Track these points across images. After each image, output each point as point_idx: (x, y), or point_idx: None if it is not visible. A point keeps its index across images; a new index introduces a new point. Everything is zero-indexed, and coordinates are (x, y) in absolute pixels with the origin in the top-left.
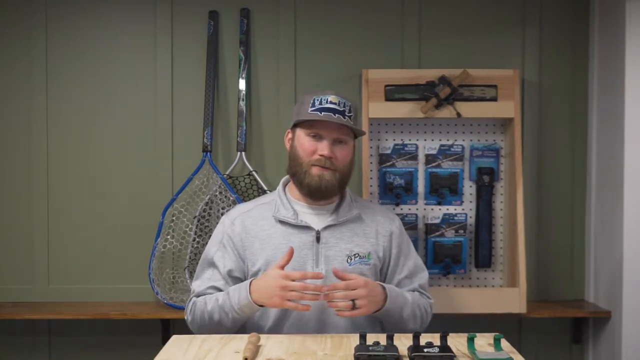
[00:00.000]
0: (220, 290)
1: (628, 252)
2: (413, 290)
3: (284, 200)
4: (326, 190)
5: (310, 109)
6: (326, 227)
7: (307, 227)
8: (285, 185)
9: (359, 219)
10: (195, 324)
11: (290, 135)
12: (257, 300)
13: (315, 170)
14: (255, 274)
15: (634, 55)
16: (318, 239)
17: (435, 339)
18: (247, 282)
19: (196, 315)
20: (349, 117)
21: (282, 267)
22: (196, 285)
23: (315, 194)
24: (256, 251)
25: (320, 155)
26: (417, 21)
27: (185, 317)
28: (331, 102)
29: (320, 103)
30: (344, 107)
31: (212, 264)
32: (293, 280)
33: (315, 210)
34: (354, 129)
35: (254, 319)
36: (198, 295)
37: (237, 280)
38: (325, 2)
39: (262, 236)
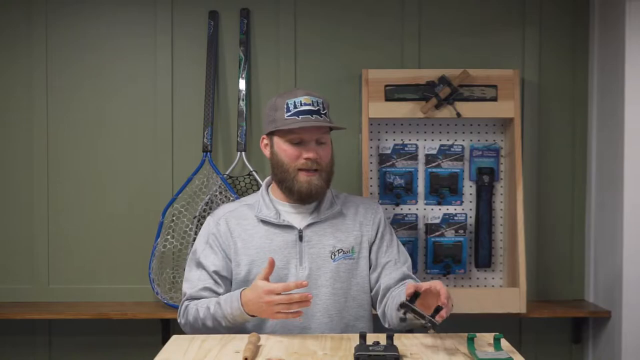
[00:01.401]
0: (211, 289)
1: (628, 252)
2: (404, 275)
3: (266, 201)
4: (316, 194)
5: (286, 115)
6: (308, 225)
7: (289, 227)
8: (268, 186)
9: (340, 214)
10: (188, 327)
11: (266, 142)
12: (250, 312)
13: (302, 177)
14: (240, 274)
15: (634, 56)
16: (301, 238)
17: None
18: (238, 292)
19: (189, 320)
20: (324, 114)
21: (266, 278)
22: (187, 288)
23: (306, 199)
24: (239, 251)
25: (306, 159)
26: (417, 21)
27: (178, 320)
28: (305, 104)
29: (295, 106)
30: (318, 105)
31: (199, 265)
32: (278, 294)
33: (298, 209)
34: (337, 129)
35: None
36: (190, 299)
37: (225, 279)
38: (325, 2)
39: (245, 236)
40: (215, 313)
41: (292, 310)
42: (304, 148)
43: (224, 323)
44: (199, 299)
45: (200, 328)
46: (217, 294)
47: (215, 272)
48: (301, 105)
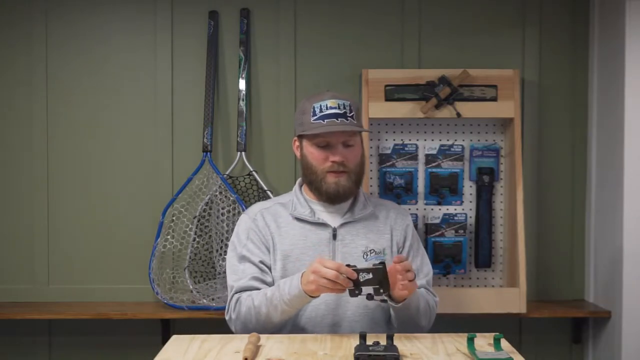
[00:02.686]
0: (260, 279)
1: (628, 252)
2: (420, 287)
3: (300, 200)
4: (344, 195)
5: (312, 119)
6: (342, 224)
7: (323, 224)
8: (301, 185)
9: (373, 216)
10: (240, 322)
11: (297, 144)
12: (304, 288)
13: (331, 178)
14: (275, 270)
15: (634, 55)
16: (335, 236)
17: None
18: (299, 273)
19: (241, 313)
20: (351, 117)
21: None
22: (233, 280)
23: (334, 199)
24: (276, 246)
25: (332, 162)
26: (417, 21)
27: (227, 316)
28: (331, 107)
29: (321, 110)
30: (345, 108)
31: (243, 258)
32: (327, 267)
33: (332, 209)
34: (362, 132)
35: None
36: (240, 290)
37: (270, 269)
38: (325, 2)
39: (280, 232)
40: (272, 297)
41: (335, 287)
42: (330, 151)
43: (280, 307)
44: (249, 289)
45: (253, 319)
46: (266, 283)
47: (262, 262)
48: (327, 108)
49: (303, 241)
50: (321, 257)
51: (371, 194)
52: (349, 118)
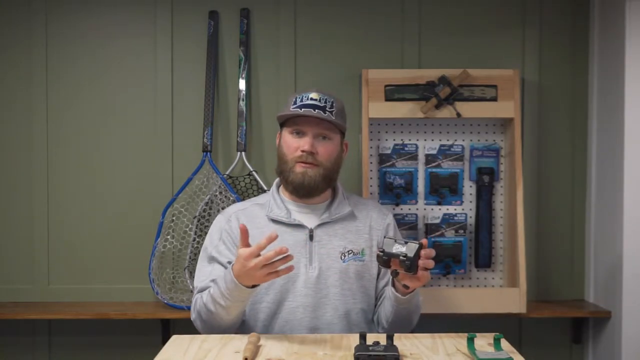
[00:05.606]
0: None
1: (628, 252)
2: None
3: (277, 201)
4: (309, 187)
5: (292, 107)
6: (319, 225)
7: (300, 226)
8: (278, 186)
9: (351, 215)
10: (199, 320)
11: (278, 137)
12: (243, 283)
13: (298, 168)
14: None
15: (634, 55)
16: (311, 237)
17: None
18: (229, 267)
19: (200, 312)
20: (330, 112)
21: (245, 246)
22: (197, 282)
23: (299, 190)
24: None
25: (302, 151)
26: (417, 21)
27: (192, 317)
28: (312, 99)
29: (302, 100)
30: (326, 102)
31: (212, 259)
32: (257, 255)
33: (308, 209)
34: (336, 124)
35: (246, 317)
36: (201, 291)
37: None
38: (325, 2)
39: (256, 234)
40: (213, 294)
41: (280, 268)
42: (302, 140)
43: (223, 302)
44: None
45: (208, 317)
46: None
47: (230, 263)
48: (308, 99)
49: (279, 244)
50: (242, 257)
51: (371, 194)
52: (327, 112)
